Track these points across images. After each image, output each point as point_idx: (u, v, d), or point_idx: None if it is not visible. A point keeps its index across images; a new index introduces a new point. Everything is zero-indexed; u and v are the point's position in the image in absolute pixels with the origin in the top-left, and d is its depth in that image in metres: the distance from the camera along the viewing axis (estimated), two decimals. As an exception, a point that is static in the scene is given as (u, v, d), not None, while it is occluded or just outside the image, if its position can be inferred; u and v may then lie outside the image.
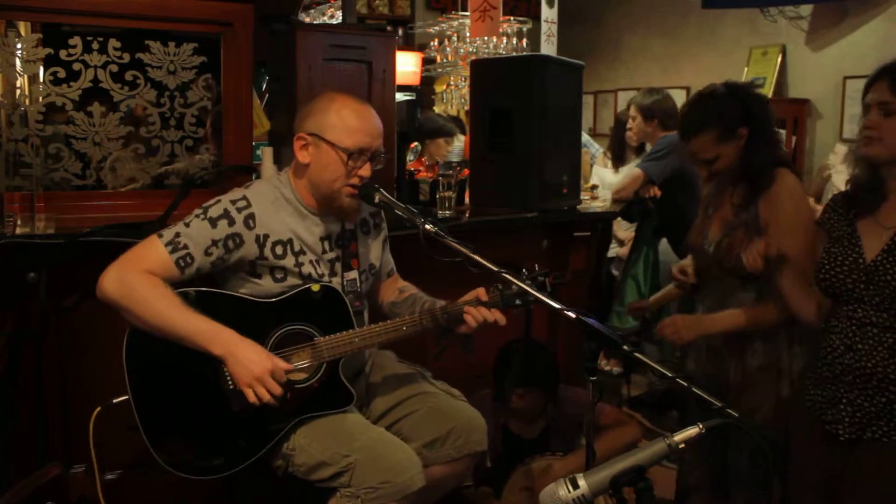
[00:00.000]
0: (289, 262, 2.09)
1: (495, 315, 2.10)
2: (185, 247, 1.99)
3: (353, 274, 2.21)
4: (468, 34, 5.15)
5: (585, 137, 5.51)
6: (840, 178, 4.20)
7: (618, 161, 4.87)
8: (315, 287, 2.10)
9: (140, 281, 1.94)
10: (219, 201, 2.08)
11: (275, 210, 2.10)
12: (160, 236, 2.01)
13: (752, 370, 2.33)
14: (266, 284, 2.09)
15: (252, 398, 1.94)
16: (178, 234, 2.01)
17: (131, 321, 1.96)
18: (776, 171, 2.29)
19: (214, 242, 2.02)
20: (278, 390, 1.95)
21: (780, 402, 2.29)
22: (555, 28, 5.20)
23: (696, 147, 2.34)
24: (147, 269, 1.96)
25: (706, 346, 2.46)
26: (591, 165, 5.05)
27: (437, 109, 6.48)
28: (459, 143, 5.02)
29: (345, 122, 2.07)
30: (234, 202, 2.07)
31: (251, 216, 2.06)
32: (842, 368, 1.91)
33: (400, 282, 2.41)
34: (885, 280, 1.84)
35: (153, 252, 1.99)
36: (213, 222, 2.03)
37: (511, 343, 2.86)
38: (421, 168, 4.47)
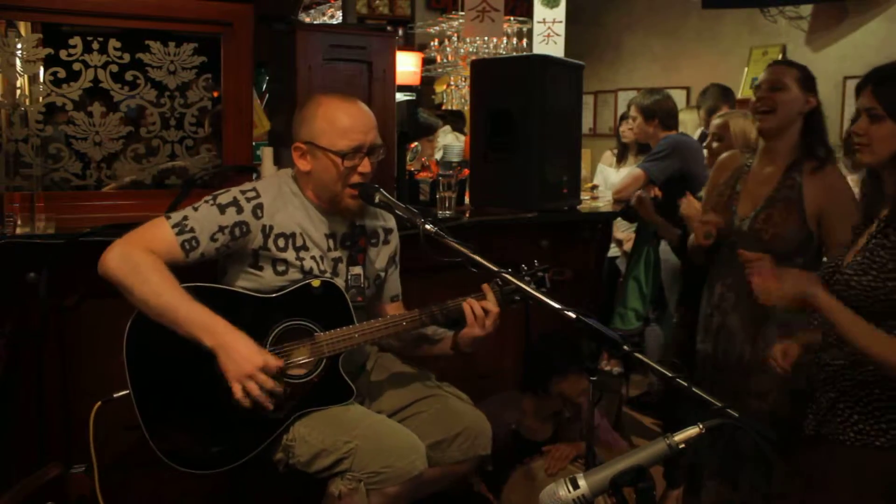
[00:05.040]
0: (290, 255, 2.10)
1: (489, 305, 2.08)
2: (192, 230, 2.00)
3: (359, 269, 2.21)
4: (469, 34, 5.14)
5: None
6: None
7: (623, 160, 4.88)
8: (315, 282, 2.10)
9: (144, 260, 1.94)
10: (228, 190, 2.10)
11: (283, 203, 2.12)
12: (168, 218, 2.02)
13: (764, 355, 2.34)
14: (267, 277, 2.10)
15: (239, 394, 1.91)
16: (185, 218, 2.02)
17: (129, 299, 1.95)
18: (830, 164, 2.39)
19: (221, 229, 2.03)
20: (270, 384, 1.92)
21: (792, 393, 2.28)
22: (560, 28, 5.19)
23: (773, 72, 2.44)
24: (152, 248, 1.96)
25: (721, 325, 2.48)
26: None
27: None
28: (459, 143, 5.02)
29: (334, 124, 2.07)
30: (243, 192, 2.09)
31: (259, 206, 2.07)
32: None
33: (403, 311, 2.34)
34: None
35: (160, 232, 1.99)
36: (222, 209, 2.04)
37: (548, 333, 2.87)
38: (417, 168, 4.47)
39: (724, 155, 2.80)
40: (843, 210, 2.30)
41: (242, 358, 1.92)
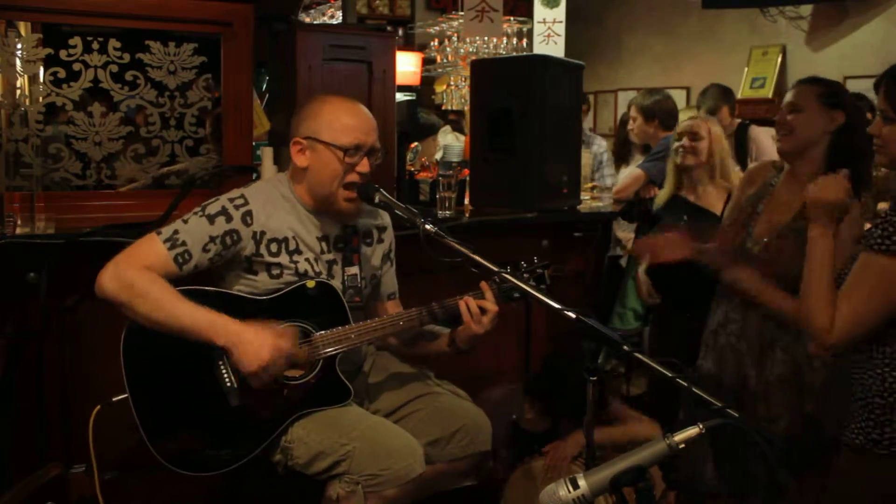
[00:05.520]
0: (283, 259, 2.10)
1: (486, 304, 2.09)
2: (184, 243, 2.00)
3: (354, 269, 2.21)
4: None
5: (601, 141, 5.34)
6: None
7: (621, 161, 4.88)
8: (310, 283, 2.10)
9: (139, 277, 1.94)
10: (217, 199, 2.10)
11: (273, 208, 2.11)
12: (158, 234, 2.02)
13: (772, 380, 2.33)
14: (262, 280, 2.10)
15: (258, 385, 1.95)
16: (176, 232, 2.02)
17: (132, 317, 1.96)
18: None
19: (212, 239, 2.03)
20: (283, 362, 1.95)
21: (804, 415, 2.28)
22: (560, 28, 5.18)
23: (794, 94, 2.35)
24: (146, 265, 1.97)
25: (729, 347, 2.45)
26: (600, 162, 4.96)
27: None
28: (459, 143, 5.02)
29: (337, 121, 2.09)
30: (231, 200, 2.09)
31: (248, 213, 2.07)
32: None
33: (401, 309, 2.34)
34: None
35: (152, 249, 1.99)
36: (212, 219, 2.04)
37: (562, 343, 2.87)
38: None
39: (754, 166, 2.76)
40: (842, 243, 2.14)
41: (253, 351, 1.93)
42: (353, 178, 2.09)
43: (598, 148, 4.97)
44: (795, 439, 2.26)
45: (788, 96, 2.38)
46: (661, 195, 3.37)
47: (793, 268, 2.20)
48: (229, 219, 2.05)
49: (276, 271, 2.10)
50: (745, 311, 2.40)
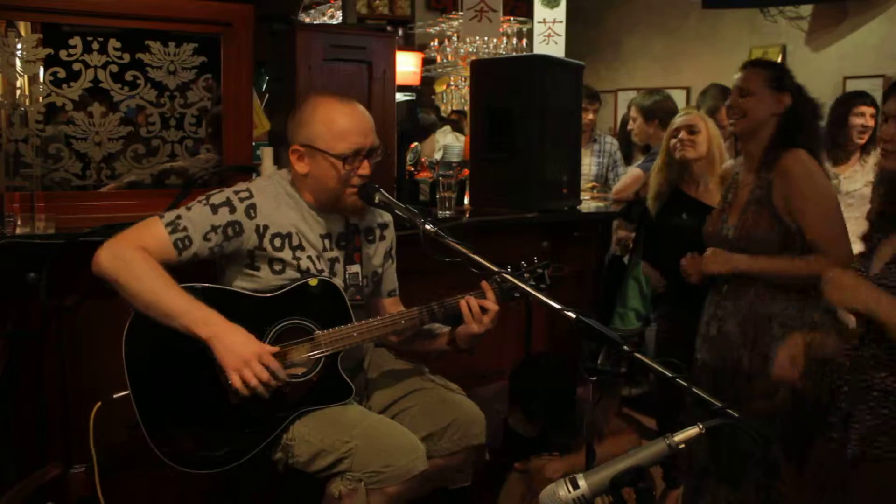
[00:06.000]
0: (286, 255, 2.10)
1: (487, 303, 2.09)
2: (185, 229, 2.00)
3: (356, 268, 2.21)
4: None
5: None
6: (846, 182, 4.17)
7: (626, 160, 4.88)
8: (313, 281, 2.10)
9: (136, 257, 1.94)
10: (222, 191, 2.10)
11: (276, 204, 2.11)
12: (161, 217, 2.03)
13: (771, 355, 2.32)
14: (264, 277, 2.10)
15: (238, 384, 1.91)
16: (178, 217, 2.02)
17: (122, 295, 1.95)
18: (789, 149, 2.36)
19: (214, 228, 2.03)
20: (265, 375, 1.92)
21: (798, 391, 2.28)
22: (560, 28, 5.19)
23: (743, 78, 2.47)
24: (145, 246, 1.96)
25: (718, 332, 2.47)
26: (615, 161, 4.93)
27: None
28: (459, 143, 5.02)
29: (332, 127, 2.07)
30: (236, 192, 2.09)
31: (252, 206, 2.07)
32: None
33: (401, 307, 2.35)
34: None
35: (152, 231, 2.00)
36: (215, 209, 2.04)
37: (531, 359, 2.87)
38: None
39: (723, 167, 2.89)
40: (806, 192, 2.29)
41: (238, 345, 1.92)
42: (355, 181, 2.09)
43: (612, 146, 4.96)
44: (790, 414, 2.26)
45: (738, 80, 2.49)
46: (652, 191, 3.34)
47: (756, 234, 2.36)
48: (233, 210, 2.05)
49: (278, 267, 2.10)
50: (735, 294, 2.44)
